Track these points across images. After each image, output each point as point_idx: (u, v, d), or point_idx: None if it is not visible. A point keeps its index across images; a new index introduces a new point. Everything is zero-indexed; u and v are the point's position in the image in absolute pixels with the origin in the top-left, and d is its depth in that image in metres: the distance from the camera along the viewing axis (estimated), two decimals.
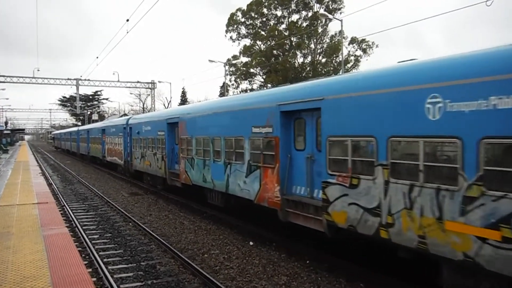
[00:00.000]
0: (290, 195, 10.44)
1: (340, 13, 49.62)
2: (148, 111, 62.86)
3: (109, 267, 9.65)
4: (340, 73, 36.73)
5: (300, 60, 53.43)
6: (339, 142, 8.58)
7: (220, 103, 14.67)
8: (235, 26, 54.79)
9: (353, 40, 49.89)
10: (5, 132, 71.77)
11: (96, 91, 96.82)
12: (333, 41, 50.97)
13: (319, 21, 49.72)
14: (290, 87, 11.07)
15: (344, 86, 8.75)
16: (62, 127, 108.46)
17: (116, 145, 29.41)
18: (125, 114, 50.20)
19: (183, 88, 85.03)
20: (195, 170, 15.56)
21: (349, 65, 50.34)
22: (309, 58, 53.32)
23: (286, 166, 10.46)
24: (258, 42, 54.28)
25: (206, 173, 14.50)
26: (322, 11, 46.73)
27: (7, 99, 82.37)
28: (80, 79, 56.75)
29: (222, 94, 60.90)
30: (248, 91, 52.21)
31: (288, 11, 52.94)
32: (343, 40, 42.74)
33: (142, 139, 22.91)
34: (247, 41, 55.45)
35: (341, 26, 33.99)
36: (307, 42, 52.20)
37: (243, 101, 12.80)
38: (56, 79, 56.18)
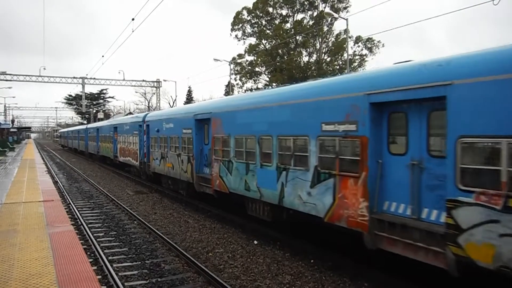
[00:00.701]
0: (382, 214, 7.74)
1: (346, 12, 49.58)
2: (154, 110, 62.85)
3: (114, 265, 9.47)
4: (346, 72, 36.41)
5: (305, 59, 53.20)
6: (483, 145, 6.00)
7: (272, 94, 11.72)
8: (241, 25, 54.50)
9: (358, 39, 49.52)
10: (12, 130, 72.25)
11: (102, 90, 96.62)
12: (338, 40, 50.81)
13: (325, 20, 49.63)
14: (384, 70, 8.29)
15: (496, 63, 5.92)
16: (68, 125, 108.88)
17: (131, 144, 26.00)
18: (130, 113, 50.23)
19: (189, 87, 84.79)
20: (233, 176, 12.66)
21: (354, 64, 50.18)
22: (314, 57, 53.18)
23: (376, 175, 7.74)
24: (263, 41, 54.12)
25: (250, 180, 11.71)
26: (327, 9, 46.79)
27: (13, 97, 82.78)
28: (86, 78, 56.72)
29: (227, 93, 60.77)
30: (254, 90, 52.26)
31: (293, 10, 52.84)
32: (349, 39, 42.74)
33: (162, 138, 19.49)
34: (252, 40, 53.88)
35: (347, 25, 33.77)
36: (312, 41, 52.09)
37: (308, 91, 9.84)
38: (62, 77, 55.78)
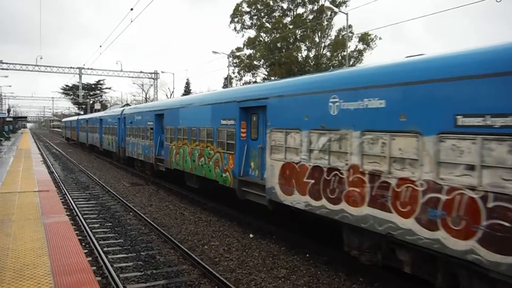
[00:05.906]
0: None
1: (346, 6, 49.33)
2: (152, 102, 61.55)
3: (109, 256, 9.45)
4: (345, 66, 36.30)
5: (304, 53, 53.15)
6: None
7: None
8: (240, 17, 54.35)
9: (363, 38, 48.91)
10: (8, 119, 71.82)
11: (99, 80, 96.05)
12: (339, 36, 50.46)
13: (324, 14, 49.39)
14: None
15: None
16: (65, 116, 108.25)
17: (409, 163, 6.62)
18: (127, 104, 49.20)
19: (187, 79, 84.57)
20: None
21: (353, 59, 50.06)
22: (313, 52, 53.03)
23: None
24: (263, 34, 53.91)
25: None
26: (327, 4, 46.52)
27: (10, 86, 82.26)
28: (83, 68, 56.42)
29: (225, 86, 60.62)
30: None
31: (294, 3, 52.63)
32: (351, 34, 42.55)
33: None
34: (251, 32, 53.57)
35: (347, 19, 33.80)
36: (311, 35, 51.88)
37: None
38: (59, 67, 55.23)
